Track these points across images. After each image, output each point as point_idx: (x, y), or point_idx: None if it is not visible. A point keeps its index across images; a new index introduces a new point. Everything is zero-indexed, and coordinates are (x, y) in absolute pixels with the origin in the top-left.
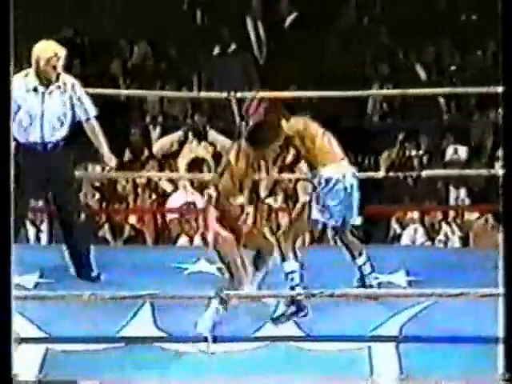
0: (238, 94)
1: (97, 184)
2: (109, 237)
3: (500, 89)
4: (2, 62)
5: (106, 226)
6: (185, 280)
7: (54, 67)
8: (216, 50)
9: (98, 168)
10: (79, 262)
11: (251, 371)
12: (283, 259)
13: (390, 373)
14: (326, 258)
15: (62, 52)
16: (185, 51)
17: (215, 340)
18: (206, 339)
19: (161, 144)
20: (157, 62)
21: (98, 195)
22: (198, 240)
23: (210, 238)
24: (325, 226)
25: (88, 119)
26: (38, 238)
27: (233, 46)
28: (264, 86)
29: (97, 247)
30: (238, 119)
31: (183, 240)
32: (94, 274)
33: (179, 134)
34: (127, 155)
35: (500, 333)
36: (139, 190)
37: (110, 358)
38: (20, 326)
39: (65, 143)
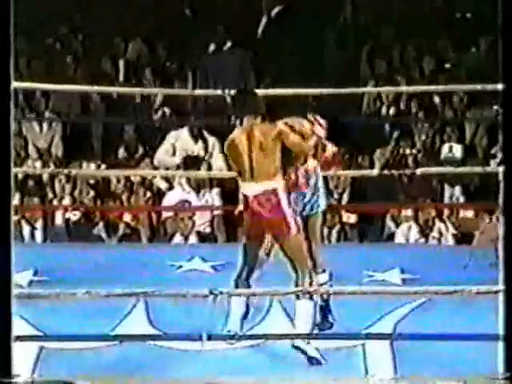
0: (233, 92)
1: (91, 182)
2: (103, 235)
3: (500, 86)
4: (2, 65)
5: (101, 224)
6: (179, 277)
7: None
8: (211, 47)
9: (93, 166)
10: None
11: (245, 369)
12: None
13: (384, 370)
14: (323, 255)
15: None
16: (180, 49)
17: (209, 338)
18: (200, 337)
19: (158, 160)
20: (151, 59)
21: (92, 193)
22: (192, 238)
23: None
24: None
25: None
26: (32, 236)
27: (228, 44)
28: (259, 83)
29: (92, 245)
30: (233, 117)
31: (178, 238)
32: None
33: (171, 142)
34: (121, 153)
35: (500, 330)
36: (134, 187)
37: (105, 356)
38: (14, 323)
39: None
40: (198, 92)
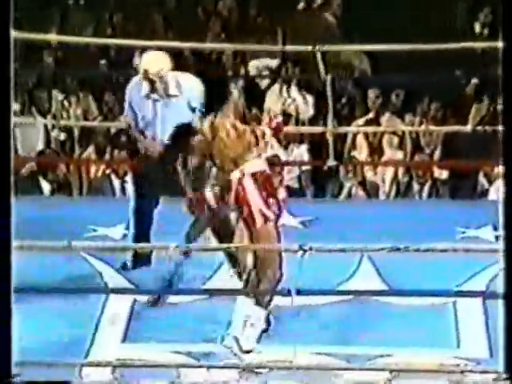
0: (324, 48)
1: None
2: None
3: (500, 44)
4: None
5: None
6: None
7: (161, 77)
8: (301, 5)
9: None
10: None
11: (334, 325)
12: None
13: (475, 329)
14: (410, 211)
15: (168, 65)
16: (270, 5)
17: (299, 293)
18: (289, 292)
19: None
20: (242, 15)
21: None
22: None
23: None
24: None
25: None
26: (123, 190)
27: (318, 1)
28: (349, 39)
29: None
30: (322, 72)
31: None
32: None
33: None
34: None
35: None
36: None
37: (195, 310)
38: (109, 276)
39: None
40: (288, 48)
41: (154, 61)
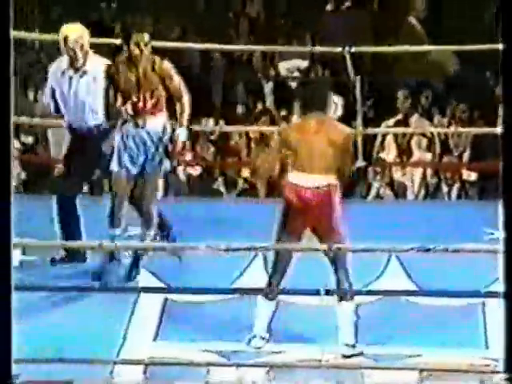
0: (353, 49)
1: (212, 138)
2: (222, 189)
3: (500, 46)
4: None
5: (220, 179)
6: None
7: (82, 46)
8: (329, 6)
9: (212, 122)
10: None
11: (362, 324)
12: None
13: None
14: (442, 213)
15: (87, 36)
16: (298, 7)
17: (327, 293)
18: (318, 292)
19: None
20: (270, 17)
21: (212, 149)
22: None
23: None
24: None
25: None
26: None
27: (347, 3)
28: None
29: (211, 199)
30: (352, 74)
31: None
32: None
33: None
34: (240, 109)
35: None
36: (252, 143)
37: (224, 309)
38: (140, 276)
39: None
40: (317, 49)
41: (73, 28)
